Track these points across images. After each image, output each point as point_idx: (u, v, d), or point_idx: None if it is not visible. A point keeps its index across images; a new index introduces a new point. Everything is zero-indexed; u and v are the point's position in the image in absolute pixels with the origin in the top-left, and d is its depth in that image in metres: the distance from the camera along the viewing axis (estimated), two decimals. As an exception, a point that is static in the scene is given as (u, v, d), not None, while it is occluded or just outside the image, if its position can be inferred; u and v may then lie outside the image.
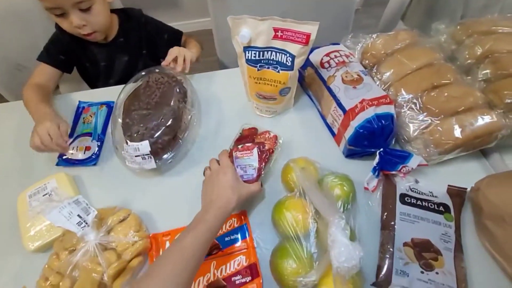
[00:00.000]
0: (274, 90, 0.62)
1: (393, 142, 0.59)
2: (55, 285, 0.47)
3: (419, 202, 0.53)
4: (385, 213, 0.52)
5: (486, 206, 0.48)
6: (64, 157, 0.65)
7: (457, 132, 0.54)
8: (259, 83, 0.62)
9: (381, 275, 0.46)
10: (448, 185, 0.54)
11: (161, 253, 0.52)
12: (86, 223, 0.49)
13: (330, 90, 0.62)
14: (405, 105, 0.59)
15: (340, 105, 0.59)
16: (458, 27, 0.69)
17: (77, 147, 0.66)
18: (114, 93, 0.67)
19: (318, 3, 0.90)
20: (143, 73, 0.69)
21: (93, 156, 0.65)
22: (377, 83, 0.63)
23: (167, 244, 0.53)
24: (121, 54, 0.84)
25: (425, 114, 0.57)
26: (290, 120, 0.70)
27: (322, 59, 0.66)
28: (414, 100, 0.58)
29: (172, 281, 0.38)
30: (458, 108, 0.55)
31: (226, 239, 0.52)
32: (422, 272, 0.46)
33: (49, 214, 0.47)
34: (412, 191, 0.54)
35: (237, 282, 0.49)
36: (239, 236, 0.53)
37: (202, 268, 0.47)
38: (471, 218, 0.53)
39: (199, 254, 0.41)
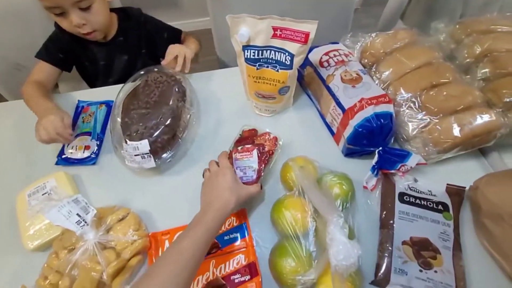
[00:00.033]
0: (273, 89, 0.62)
1: (392, 141, 0.59)
2: (54, 284, 0.47)
3: (418, 201, 0.53)
4: (384, 212, 0.53)
5: (485, 204, 0.48)
6: (63, 156, 0.65)
7: (456, 131, 0.54)
8: (258, 82, 0.62)
9: (379, 274, 0.46)
10: (447, 184, 0.54)
11: (160, 252, 0.52)
12: (85, 222, 0.49)
13: (329, 89, 0.62)
14: (404, 104, 0.59)
15: (339, 104, 0.59)
16: (457, 26, 0.69)
17: (76, 146, 0.66)
18: (113, 92, 0.67)
19: (317, 2, 0.90)
20: (142, 72, 0.69)
21: (92, 155, 0.65)
22: (376, 82, 0.63)
23: (166, 243, 0.53)
24: (120, 53, 0.84)
25: (424, 113, 0.57)
26: (289, 119, 0.70)
27: (321, 58, 0.66)
28: (413, 99, 0.58)
29: (172, 282, 0.38)
30: (457, 107, 0.56)
31: (225, 238, 0.52)
32: (420, 271, 0.46)
33: (48, 213, 0.47)
34: (411, 190, 0.55)
35: (236, 280, 0.49)
36: (238, 235, 0.53)
37: (201, 267, 0.47)
38: (470, 216, 0.53)
39: (197, 256, 0.41)
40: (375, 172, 0.55)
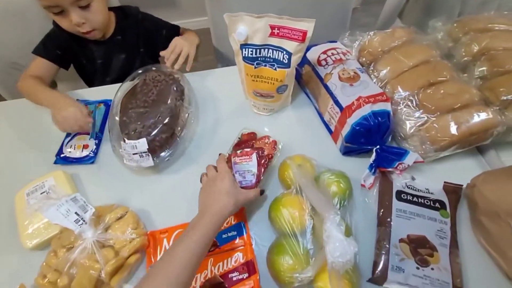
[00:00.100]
0: (271, 87, 0.63)
1: (389, 140, 0.59)
2: (53, 282, 0.47)
3: (415, 199, 0.53)
4: (382, 210, 0.53)
5: (482, 202, 0.48)
6: (62, 155, 0.65)
7: (453, 129, 0.54)
8: (256, 80, 0.62)
9: (377, 271, 0.47)
10: (444, 182, 0.55)
11: (158, 251, 0.52)
12: (84, 221, 0.49)
13: (327, 88, 0.62)
14: (401, 102, 0.59)
15: (337, 102, 0.59)
16: (455, 24, 0.69)
17: (75, 145, 0.66)
18: (112, 91, 0.67)
19: (316, 1, 0.90)
20: (140, 71, 0.69)
21: (91, 154, 0.65)
22: (374, 80, 0.63)
23: (165, 242, 0.53)
24: (118, 51, 0.84)
25: (421, 111, 0.57)
26: (287, 118, 0.70)
27: (319, 56, 0.66)
28: (411, 97, 0.58)
29: (170, 283, 0.37)
30: (454, 105, 0.56)
31: (224, 236, 0.53)
32: (417, 268, 0.46)
33: (46, 211, 0.47)
34: (409, 188, 0.55)
35: (234, 278, 0.49)
36: (236, 233, 0.53)
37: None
38: (467, 214, 0.53)
39: (194, 261, 0.40)
40: (373, 170, 0.55)
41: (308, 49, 0.68)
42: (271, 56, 0.58)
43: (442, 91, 0.57)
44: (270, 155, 0.56)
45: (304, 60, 0.67)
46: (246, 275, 0.49)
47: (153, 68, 0.69)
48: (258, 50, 0.58)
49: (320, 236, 0.41)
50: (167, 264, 0.39)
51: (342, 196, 0.50)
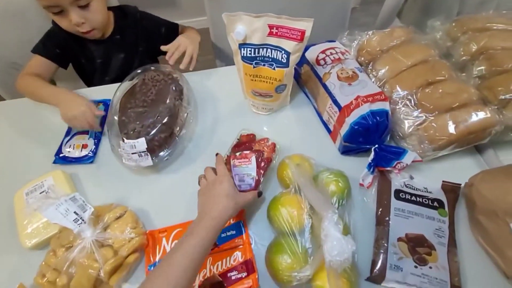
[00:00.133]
0: (270, 87, 0.63)
1: (388, 139, 0.60)
2: (52, 281, 0.47)
3: (413, 198, 0.53)
4: (380, 209, 0.53)
5: (480, 201, 0.49)
6: (61, 155, 0.65)
7: (451, 128, 0.54)
8: (255, 80, 0.63)
9: (375, 270, 0.47)
10: (443, 181, 0.55)
11: (157, 250, 0.52)
12: (83, 220, 0.49)
13: (325, 87, 0.62)
14: (400, 101, 0.59)
15: (335, 102, 0.59)
16: (453, 24, 0.69)
17: (74, 145, 0.66)
18: (111, 91, 0.67)
19: (315, 1, 0.90)
20: (139, 71, 0.69)
21: (90, 154, 0.65)
22: (373, 80, 0.63)
23: (164, 241, 0.53)
24: (117, 51, 0.84)
25: (419, 110, 0.57)
26: (286, 118, 0.71)
27: (317, 56, 0.66)
28: (409, 97, 0.58)
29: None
30: (452, 104, 0.56)
31: (222, 235, 0.53)
32: (415, 267, 0.46)
33: (45, 211, 0.47)
34: (407, 187, 0.55)
35: (233, 277, 0.49)
36: (235, 232, 0.53)
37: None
38: (465, 213, 0.53)
39: (192, 266, 0.40)
40: (371, 170, 0.55)
41: (306, 48, 0.68)
42: (270, 56, 0.58)
43: (440, 90, 0.57)
44: (270, 158, 0.56)
45: (303, 60, 0.68)
46: (245, 274, 0.49)
47: (152, 68, 0.69)
48: (256, 50, 0.58)
49: (319, 235, 0.42)
50: (167, 268, 0.39)
51: (341, 195, 0.50)
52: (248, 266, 0.50)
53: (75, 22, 0.70)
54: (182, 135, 0.63)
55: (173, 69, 0.70)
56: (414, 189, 0.54)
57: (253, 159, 0.54)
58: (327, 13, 0.93)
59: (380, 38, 0.68)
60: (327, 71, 0.63)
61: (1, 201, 0.59)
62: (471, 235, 0.51)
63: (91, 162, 0.65)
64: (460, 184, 0.54)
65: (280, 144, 0.59)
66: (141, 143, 0.57)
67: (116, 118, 0.62)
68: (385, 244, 0.48)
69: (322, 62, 0.65)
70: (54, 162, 0.65)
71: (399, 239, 0.49)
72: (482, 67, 0.60)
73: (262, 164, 0.54)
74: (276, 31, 0.55)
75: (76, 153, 0.65)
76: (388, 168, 0.55)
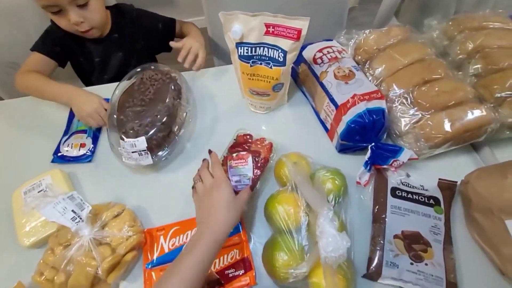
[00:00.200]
0: (267, 86, 0.63)
1: (384, 137, 0.60)
2: (50, 279, 0.47)
3: (410, 196, 0.53)
4: (377, 207, 0.53)
5: (475, 198, 0.49)
6: (59, 154, 0.65)
7: (447, 126, 0.54)
8: (252, 79, 0.63)
9: (371, 267, 0.47)
10: (439, 179, 0.55)
11: (155, 248, 0.53)
12: (81, 219, 0.49)
13: (322, 86, 0.62)
14: (396, 100, 0.59)
15: (332, 100, 0.59)
16: (450, 23, 0.69)
17: (72, 144, 0.66)
18: (110, 90, 0.67)
19: (312, 0, 0.90)
20: (138, 69, 0.69)
21: (88, 153, 0.65)
22: (370, 78, 0.64)
23: (161, 239, 0.53)
24: (115, 49, 0.84)
25: (416, 108, 0.57)
26: (284, 117, 0.71)
27: (315, 55, 0.67)
28: (406, 95, 0.59)
29: None
30: (448, 103, 0.56)
31: (220, 233, 0.53)
32: (411, 264, 0.46)
33: (43, 209, 0.48)
34: (403, 184, 0.55)
35: (230, 275, 0.49)
36: (232, 230, 0.53)
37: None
38: (461, 211, 0.54)
39: (195, 278, 0.39)
40: (368, 168, 0.56)
41: (304, 47, 0.69)
42: (267, 55, 0.59)
43: (436, 88, 0.57)
44: (266, 158, 0.55)
45: (300, 59, 0.68)
46: (242, 271, 0.49)
47: (151, 67, 0.69)
48: (253, 49, 0.58)
49: (315, 232, 0.42)
50: (175, 278, 0.38)
51: (337, 193, 0.50)
52: (246, 264, 0.50)
53: (74, 21, 0.70)
54: (181, 135, 0.64)
55: (171, 68, 0.70)
56: (410, 186, 0.55)
57: (250, 160, 0.54)
58: (325, 12, 0.93)
59: (377, 37, 0.68)
60: (324, 70, 0.63)
61: (-1, 200, 0.60)
62: (467, 232, 0.51)
63: (89, 161, 0.65)
64: (456, 182, 0.54)
65: (278, 143, 0.59)
66: (141, 142, 0.57)
67: (115, 116, 0.62)
68: (382, 241, 0.49)
69: (319, 61, 0.65)
70: (52, 161, 0.65)
71: (395, 236, 0.49)
72: (478, 66, 0.61)
73: (259, 164, 0.54)
74: (273, 30, 0.55)
75: (74, 152, 0.65)
76: (385, 166, 0.56)
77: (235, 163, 0.54)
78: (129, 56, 0.86)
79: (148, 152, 0.58)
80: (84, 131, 0.68)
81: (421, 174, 0.57)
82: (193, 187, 0.52)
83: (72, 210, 0.49)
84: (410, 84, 0.59)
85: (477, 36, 0.63)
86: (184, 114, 0.65)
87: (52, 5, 0.68)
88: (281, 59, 0.58)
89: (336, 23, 0.98)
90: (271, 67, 0.60)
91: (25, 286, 0.49)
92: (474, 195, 0.49)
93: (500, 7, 0.73)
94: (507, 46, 0.61)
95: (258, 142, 0.58)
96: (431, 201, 0.53)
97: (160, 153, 0.60)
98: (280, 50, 0.57)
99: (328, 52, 0.66)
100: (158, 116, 0.60)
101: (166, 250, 0.52)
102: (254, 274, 0.49)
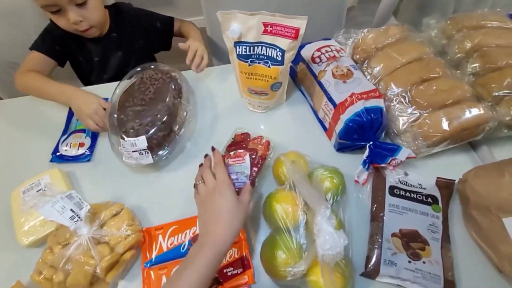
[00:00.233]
0: (265, 85, 0.63)
1: (383, 136, 0.60)
2: (49, 278, 0.47)
3: (408, 194, 0.53)
4: (375, 205, 0.53)
5: (473, 196, 0.49)
6: (58, 153, 0.66)
7: (445, 125, 0.54)
8: (251, 78, 0.63)
9: (369, 265, 0.47)
10: (437, 177, 0.55)
11: (153, 247, 0.53)
12: (79, 217, 0.49)
13: (321, 85, 0.62)
14: (394, 98, 0.59)
15: (330, 99, 0.59)
16: (448, 22, 0.69)
17: (71, 143, 0.66)
18: (109, 90, 0.68)
19: (311, 0, 0.90)
20: (138, 69, 0.69)
21: (87, 152, 0.65)
22: (368, 77, 0.64)
23: (160, 238, 0.53)
24: (114, 49, 0.85)
25: (414, 107, 0.57)
26: (282, 116, 0.71)
27: (313, 54, 0.67)
28: (404, 94, 0.59)
29: None
30: (446, 101, 0.56)
31: (218, 232, 0.53)
32: (409, 262, 0.46)
33: (41, 208, 0.48)
34: (401, 183, 0.55)
35: (229, 274, 0.49)
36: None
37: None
38: (459, 209, 0.54)
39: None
40: (366, 166, 0.56)
41: (302, 46, 0.69)
42: (265, 54, 0.59)
43: (434, 87, 0.57)
44: (264, 156, 0.56)
45: (299, 58, 0.68)
46: (240, 270, 0.49)
47: (151, 67, 0.69)
48: (251, 48, 0.58)
49: (313, 230, 0.42)
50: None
51: (335, 191, 0.50)
52: (244, 262, 0.50)
53: (73, 21, 0.71)
54: (182, 134, 0.64)
55: (171, 68, 0.70)
56: (408, 185, 0.55)
57: (247, 157, 0.54)
58: (323, 12, 0.93)
59: (375, 36, 0.68)
60: (322, 69, 0.63)
61: (-2, 200, 0.60)
62: (465, 230, 0.51)
63: (88, 160, 0.65)
64: (454, 180, 0.54)
65: (276, 142, 0.59)
66: (141, 141, 0.57)
67: (115, 116, 0.63)
68: (380, 240, 0.49)
69: (317, 60, 0.66)
70: (51, 161, 0.65)
71: (393, 235, 0.49)
72: (476, 64, 0.61)
73: (256, 162, 0.55)
74: (271, 29, 0.55)
75: (73, 152, 0.65)
76: (383, 165, 0.56)
77: (233, 161, 0.55)
78: (128, 55, 0.86)
79: (149, 151, 0.58)
80: (83, 131, 0.68)
81: (419, 172, 0.57)
82: (195, 187, 0.52)
83: (71, 209, 0.49)
84: (408, 83, 0.60)
85: (475, 35, 0.63)
86: (185, 113, 0.65)
87: (51, 4, 0.68)
88: (279, 58, 0.58)
89: (335, 22, 0.99)
90: (269, 66, 0.60)
91: (24, 285, 0.49)
92: (472, 193, 0.49)
93: (498, 6, 0.73)
94: (505, 45, 0.61)
95: (256, 140, 0.58)
96: (429, 199, 0.53)
97: (160, 152, 0.60)
98: (278, 49, 0.57)
99: (327, 51, 0.66)
100: (159, 116, 0.60)
101: (165, 249, 0.52)
102: (252, 272, 0.49)
